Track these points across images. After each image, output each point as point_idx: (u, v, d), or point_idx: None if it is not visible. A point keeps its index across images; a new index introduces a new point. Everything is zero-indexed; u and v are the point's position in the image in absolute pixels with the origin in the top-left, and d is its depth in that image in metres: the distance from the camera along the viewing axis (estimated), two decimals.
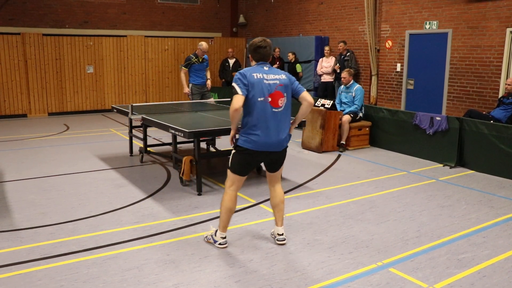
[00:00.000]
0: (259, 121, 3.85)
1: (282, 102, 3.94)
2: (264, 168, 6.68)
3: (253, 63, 4.10)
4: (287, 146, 4.09)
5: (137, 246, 4.18)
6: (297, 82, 4.11)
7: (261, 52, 3.99)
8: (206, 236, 4.30)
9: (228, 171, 4.07)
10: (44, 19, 12.34)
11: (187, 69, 8.92)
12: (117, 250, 4.10)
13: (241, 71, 3.93)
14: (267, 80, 3.90)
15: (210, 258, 3.93)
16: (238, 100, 3.80)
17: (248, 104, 3.87)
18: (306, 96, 4.02)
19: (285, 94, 3.95)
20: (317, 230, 4.58)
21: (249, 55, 4.14)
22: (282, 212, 4.23)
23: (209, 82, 9.10)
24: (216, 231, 4.20)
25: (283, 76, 4.00)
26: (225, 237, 4.17)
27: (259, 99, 3.84)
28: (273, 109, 3.89)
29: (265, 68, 3.97)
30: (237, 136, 4.06)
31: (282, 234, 4.24)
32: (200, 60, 8.88)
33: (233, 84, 3.89)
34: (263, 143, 3.88)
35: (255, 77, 3.87)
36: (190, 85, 8.99)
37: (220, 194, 5.64)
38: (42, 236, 4.39)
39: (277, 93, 3.90)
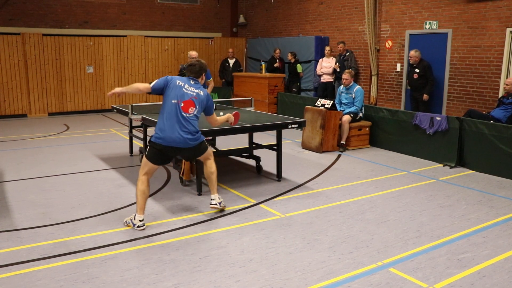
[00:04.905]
0: (167, 120, 4.48)
1: (192, 110, 4.56)
2: (262, 168, 6.75)
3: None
4: (198, 145, 4.64)
5: (137, 246, 4.18)
6: (212, 103, 4.78)
7: (190, 70, 4.73)
8: (126, 221, 4.63)
9: (144, 158, 4.63)
10: (44, 19, 12.33)
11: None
12: (117, 250, 4.10)
13: (169, 76, 4.70)
14: (186, 89, 4.57)
15: (210, 258, 3.93)
16: (150, 84, 4.54)
17: (163, 105, 4.56)
18: (210, 118, 4.90)
19: (196, 106, 4.58)
20: (317, 230, 4.58)
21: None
22: (212, 182, 4.92)
23: None
24: (135, 215, 4.53)
25: (202, 93, 4.65)
26: (142, 220, 4.52)
27: (172, 101, 4.51)
28: (182, 113, 4.50)
29: (191, 81, 4.66)
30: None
31: (214, 199, 4.91)
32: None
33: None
34: (169, 139, 4.46)
35: (177, 83, 4.58)
36: None
37: (220, 194, 5.63)
38: (42, 236, 4.39)
39: (189, 102, 4.54)
